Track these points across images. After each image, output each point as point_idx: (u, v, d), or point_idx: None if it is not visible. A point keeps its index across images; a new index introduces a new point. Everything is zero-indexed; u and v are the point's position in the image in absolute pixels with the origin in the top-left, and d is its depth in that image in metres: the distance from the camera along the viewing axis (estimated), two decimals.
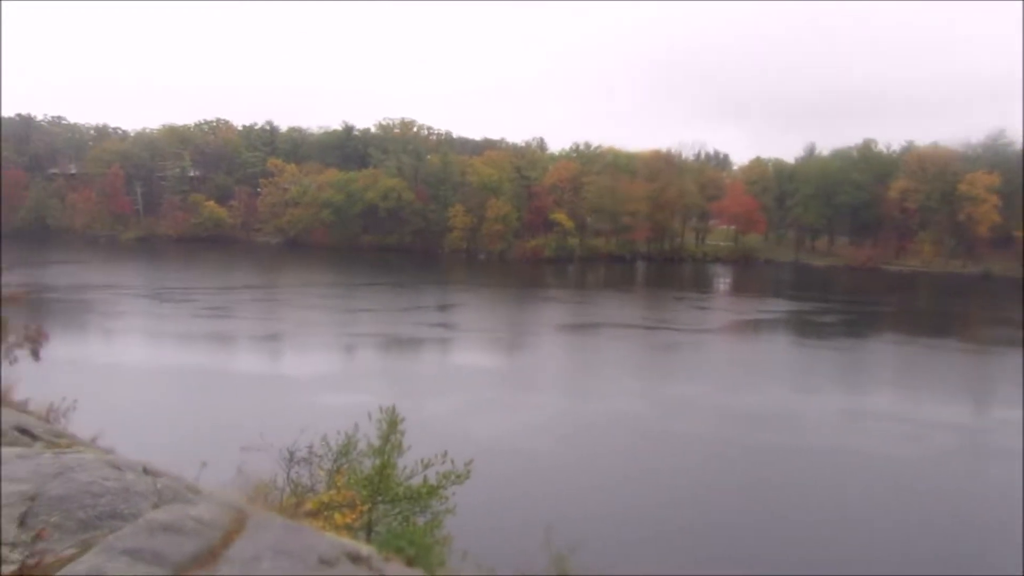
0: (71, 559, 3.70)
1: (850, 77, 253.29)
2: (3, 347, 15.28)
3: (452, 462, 12.23)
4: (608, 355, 52.10)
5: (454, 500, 12.09)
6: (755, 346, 58.68)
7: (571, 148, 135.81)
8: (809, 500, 26.07)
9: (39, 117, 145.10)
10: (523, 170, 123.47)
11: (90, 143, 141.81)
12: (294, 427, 12.90)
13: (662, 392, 40.98)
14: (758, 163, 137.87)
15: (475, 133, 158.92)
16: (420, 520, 11.47)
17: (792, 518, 24.57)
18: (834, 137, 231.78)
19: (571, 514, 22.16)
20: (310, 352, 48.74)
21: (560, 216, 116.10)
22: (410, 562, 5.08)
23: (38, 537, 3.87)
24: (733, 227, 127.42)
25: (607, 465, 28.76)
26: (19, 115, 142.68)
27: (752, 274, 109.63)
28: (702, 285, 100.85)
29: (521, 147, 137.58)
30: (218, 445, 15.25)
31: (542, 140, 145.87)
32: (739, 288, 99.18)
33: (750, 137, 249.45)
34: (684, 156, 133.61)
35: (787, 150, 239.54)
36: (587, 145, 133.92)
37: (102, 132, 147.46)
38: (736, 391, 40.58)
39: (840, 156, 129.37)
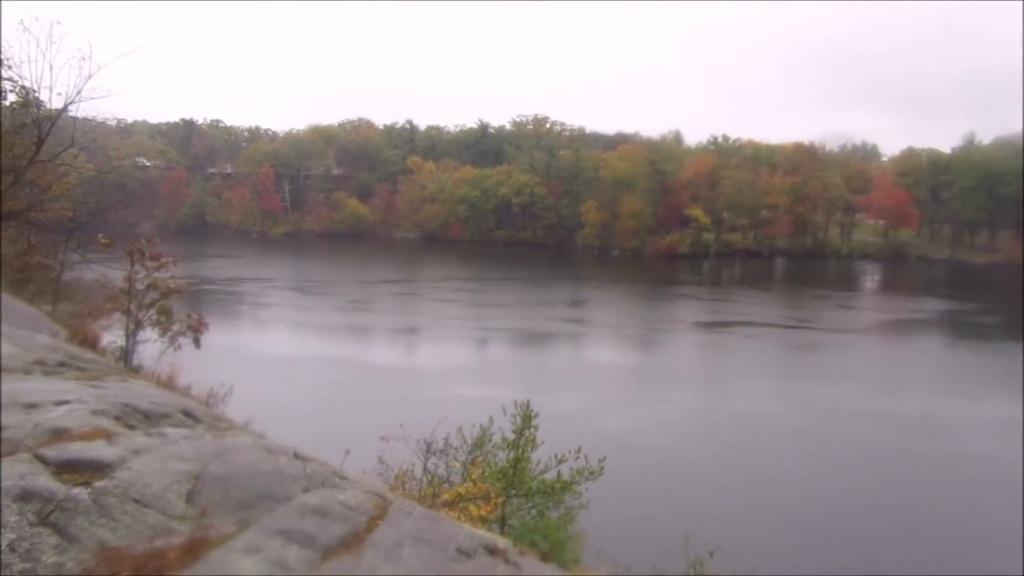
0: (231, 536, 3.92)
1: (1012, 58, 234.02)
2: (168, 335, 16.50)
3: (586, 458, 12.20)
4: (744, 354, 50.53)
5: (587, 496, 12.07)
6: (904, 348, 55.33)
7: (708, 141, 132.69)
8: (958, 508, 24.34)
9: (199, 121, 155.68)
10: (658, 164, 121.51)
11: (244, 144, 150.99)
12: (430, 418, 13.21)
13: (801, 392, 39.33)
14: (910, 153, 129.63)
15: (608, 127, 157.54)
16: (553, 515, 11.52)
17: (938, 526, 23.02)
18: (994, 125, 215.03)
19: (707, 514, 21.66)
20: (445, 345, 49.93)
21: (696, 211, 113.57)
22: (544, 557, 5.08)
23: (203, 513, 4.12)
24: (882, 222, 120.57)
25: (743, 464, 27.90)
26: (182, 120, 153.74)
27: (903, 271, 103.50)
28: (847, 283, 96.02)
29: (656, 141, 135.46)
30: (358, 433, 15.83)
31: (678, 133, 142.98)
32: (888, 286, 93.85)
33: (899, 126, 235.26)
34: (828, 148, 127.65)
35: (940, 139, 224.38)
36: (725, 138, 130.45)
37: (254, 134, 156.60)
38: (883, 394, 38.42)
39: (1003, 145, 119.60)
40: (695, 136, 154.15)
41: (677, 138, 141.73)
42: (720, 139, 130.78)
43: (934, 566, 20.11)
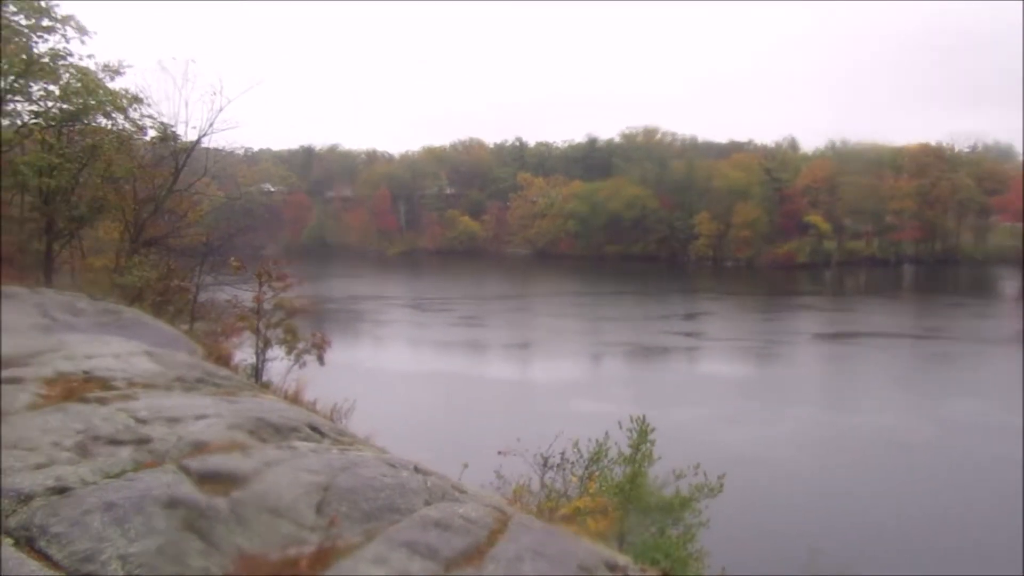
0: (358, 546, 4.07)
1: None
2: (294, 353, 17.23)
3: (705, 474, 11.95)
4: (870, 366, 48.18)
5: (707, 513, 11.80)
6: None
7: (826, 146, 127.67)
8: None
9: (318, 147, 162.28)
10: (773, 172, 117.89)
11: (360, 167, 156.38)
12: (545, 432, 13.24)
13: (935, 407, 37.10)
14: None
15: (721, 136, 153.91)
16: (673, 532, 11.32)
17: None
18: None
19: (835, 533, 20.71)
20: (559, 360, 49.95)
21: (815, 218, 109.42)
22: (666, 575, 5.00)
23: (331, 524, 4.30)
24: (1020, 224, 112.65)
25: (872, 481, 26.54)
26: (302, 146, 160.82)
27: None
28: (983, 290, 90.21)
29: (770, 148, 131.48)
30: (474, 447, 16.03)
31: (793, 139, 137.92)
32: None
33: None
34: (956, 148, 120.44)
35: None
36: (844, 142, 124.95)
37: (371, 157, 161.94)
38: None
39: None
40: (811, 142, 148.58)
41: (792, 144, 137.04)
42: (838, 143, 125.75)
43: None
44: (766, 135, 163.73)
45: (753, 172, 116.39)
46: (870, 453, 29.81)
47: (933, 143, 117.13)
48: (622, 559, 4.86)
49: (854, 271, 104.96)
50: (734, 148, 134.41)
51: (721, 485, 12.03)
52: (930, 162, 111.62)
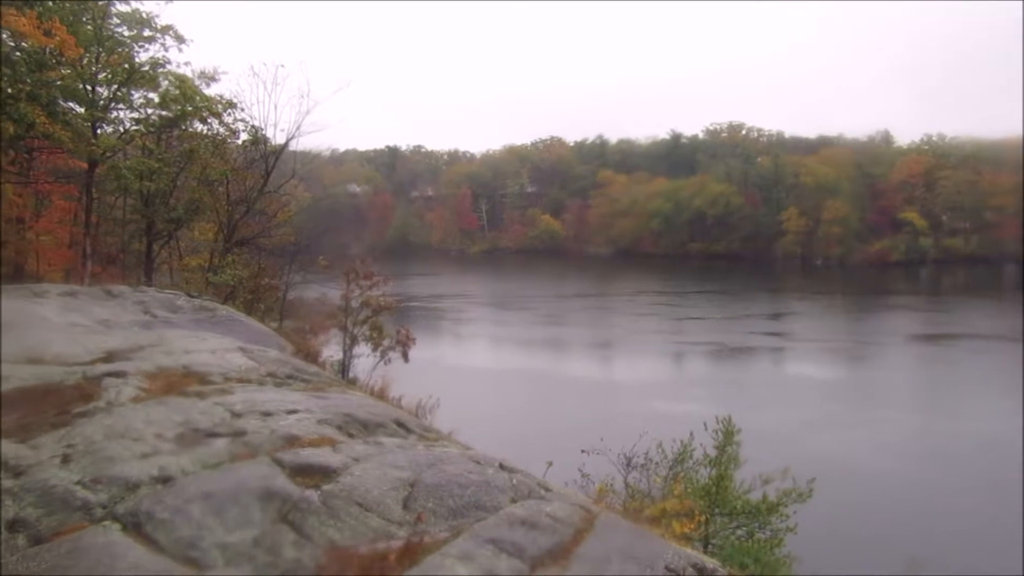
0: (445, 542, 4.11)
1: None
2: (380, 349, 17.60)
3: (793, 479, 11.64)
4: (971, 369, 45.97)
5: (796, 518, 11.49)
6: None
7: (922, 140, 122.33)
8: None
9: (402, 147, 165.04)
10: (865, 167, 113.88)
11: (443, 167, 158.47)
12: (628, 432, 13.11)
13: None
14: None
15: (809, 131, 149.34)
16: (760, 536, 11.06)
17: None
18: None
19: (934, 544, 19.85)
20: (641, 359, 49.43)
21: (911, 215, 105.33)
22: None
23: (418, 519, 4.35)
24: None
25: (974, 493, 25.30)
26: (387, 147, 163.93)
27: None
28: None
29: (862, 142, 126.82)
30: (557, 446, 16.01)
31: (887, 133, 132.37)
32: None
33: None
34: None
35: None
36: (941, 136, 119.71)
37: (453, 157, 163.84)
38: None
39: None
40: (906, 135, 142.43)
41: (886, 138, 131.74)
42: (935, 137, 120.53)
43: None
44: (857, 129, 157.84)
45: (843, 167, 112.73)
46: (970, 461, 28.44)
47: None
48: (710, 562, 4.76)
49: (951, 270, 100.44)
50: (823, 143, 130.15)
51: (811, 490, 11.69)
52: None
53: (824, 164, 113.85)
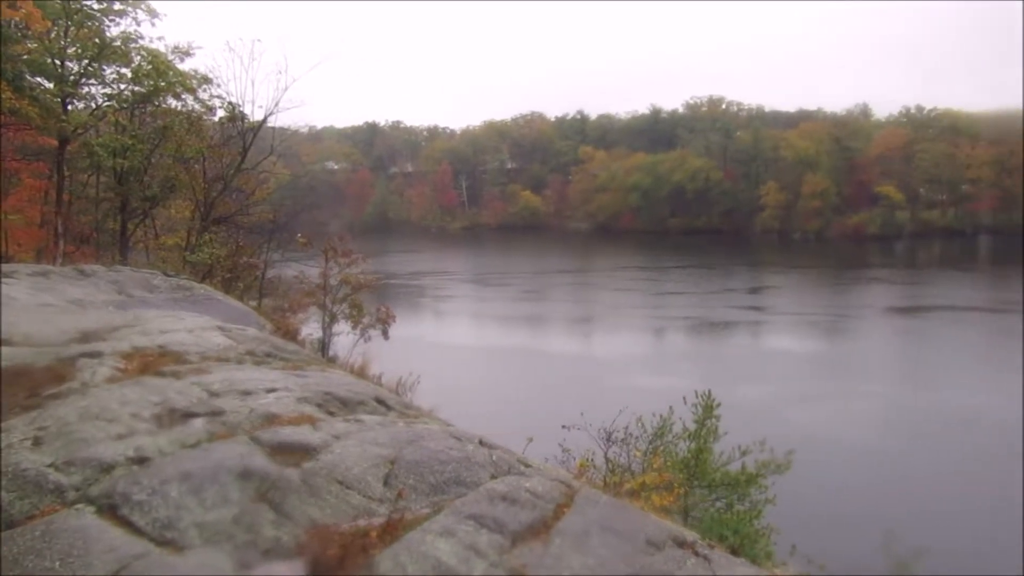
0: (426, 518, 4.10)
1: None
2: (360, 327, 17.53)
3: (771, 451, 11.78)
4: (947, 341, 46.63)
5: (775, 491, 11.63)
6: None
7: (900, 113, 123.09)
8: None
9: (381, 123, 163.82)
10: (843, 141, 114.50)
11: (423, 143, 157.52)
12: (609, 407, 13.17)
13: (1016, 383, 35.67)
14: None
15: (788, 105, 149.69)
16: (739, 508, 11.20)
17: None
18: None
19: (911, 515, 20.17)
20: (621, 334, 49.68)
21: (888, 188, 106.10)
22: (734, 551, 4.92)
23: (399, 496, 4.34)
24: None
25: (952, 463, 25.73)
26: (366, 123, 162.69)
27: None
28: None
29: (841, 116, 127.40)
30: (538, 421, 16.06)
31: (865, 107, 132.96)
32: None
33: None
34: None
35: None
36: (919, 109, 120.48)
37: (433, 133, 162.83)
38: None
39: None
40: (884, 109, 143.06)
41: (864, 112, 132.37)
42: (913, 110, 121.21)
43: None
44: (837, 103, 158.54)
45: (822, 141, 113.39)
46: (947, 432, 28.91)
47: (1011, 108, 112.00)
48: (690, 534, 4.80)
49: (928, 243, 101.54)
50: (803, 117, 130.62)
51: (789, 462, 11.83)
52: (1009, 129, 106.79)
53: (803, 138, 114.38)
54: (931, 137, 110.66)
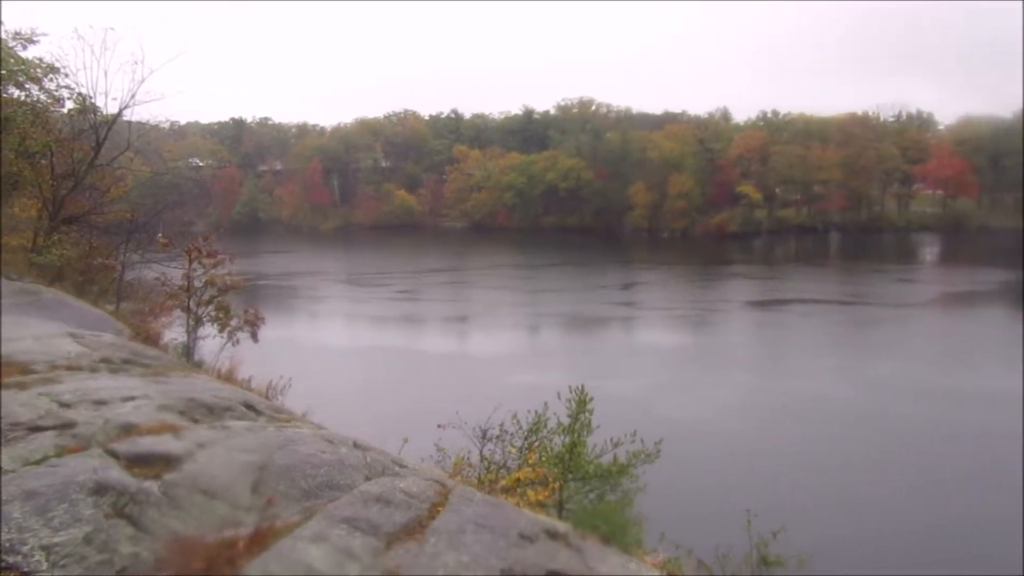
0: (297, 525, 3.99)
1: None
2: (227, 330, 16.85)
3: (642, 441, 12.15)
4: (801, 332, 49.68)
5: (645, 480, 12.02)
6: (969, 321, 53.74)
7: (757, 117, 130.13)
8: None
9: (249, 119, 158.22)
10: (706, 142, 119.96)
11: (292, 141, 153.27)
12: (485, 405, 13.23)
13: (862, 371, 38.46)
14: (968, 121, 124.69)
15: (655, 107, 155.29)
16: (611, 498, 11.49)
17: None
18: None
19: (770, 497, 21.32)
20: (497, 332, 50.09)
21: (747, 188, 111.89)
22: (606, 540, 5.06)
23: (268, 503, 4.21)
24: (940, 192, 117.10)
25: (805, 448, 27.42)
26: (232, 119, 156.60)
27: (964, 243, 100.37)
28: (905, 256, 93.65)
29: (704, 119, 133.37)
30: (414, 422, 15.94)
31: (726, 110, 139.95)
32: (948, 258, 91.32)
33: (954, 93, 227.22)
34: (882, 118, 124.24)
35: (1000, 105, 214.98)
36: (775, 112, 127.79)
37: (303, 130, 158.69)
38: (950, 370, 37.39)
39: None
40: (743, 112, 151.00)
41: (725, 115, 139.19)
42: (769, 114, 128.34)
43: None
44: (700, 106, 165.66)
45: (687, 143, 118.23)
46: (805, 419, 30.75)
47: (859, 113, 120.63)
48: (562, 526, 4.89)
49: (784, 240, 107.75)
50: (668, 119, 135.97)
51: (658, 451, 12.23)
52: (856, 132, 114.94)
53: (669, 139, 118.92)
54: (785, 140, 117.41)
